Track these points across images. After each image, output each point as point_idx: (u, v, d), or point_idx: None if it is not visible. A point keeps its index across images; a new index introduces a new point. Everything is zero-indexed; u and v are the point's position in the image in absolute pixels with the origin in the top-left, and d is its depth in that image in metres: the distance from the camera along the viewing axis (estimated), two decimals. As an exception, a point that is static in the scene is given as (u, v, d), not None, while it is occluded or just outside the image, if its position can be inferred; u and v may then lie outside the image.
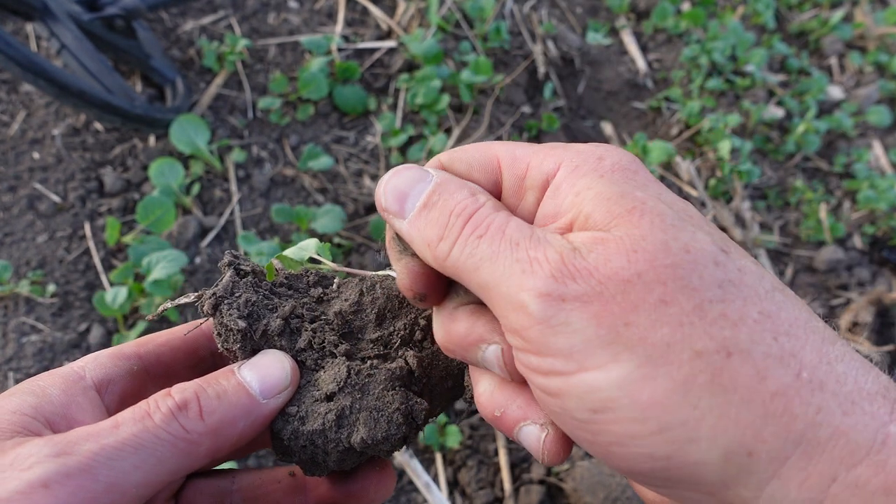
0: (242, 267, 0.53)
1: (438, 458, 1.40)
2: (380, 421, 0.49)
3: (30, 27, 1.88)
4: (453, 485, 1.38)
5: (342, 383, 0.50)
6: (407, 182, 0.45)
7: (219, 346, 0.51)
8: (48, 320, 1.46)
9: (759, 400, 0.35)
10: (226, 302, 0.50)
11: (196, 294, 0.53)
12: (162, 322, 1.49)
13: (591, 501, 1.27)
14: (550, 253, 0.38)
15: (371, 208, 1.76)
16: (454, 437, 1.38)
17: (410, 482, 1.36)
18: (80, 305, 1.50)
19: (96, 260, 1.55)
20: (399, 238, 0.47)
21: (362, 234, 1.69)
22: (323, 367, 0.52)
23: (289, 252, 0.57)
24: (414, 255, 0.46)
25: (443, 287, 0.48)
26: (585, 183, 0.42)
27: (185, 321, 1.50)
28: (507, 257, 0.39)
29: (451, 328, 0.47)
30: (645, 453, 0.36)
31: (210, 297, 0.50)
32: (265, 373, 0.49)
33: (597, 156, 0.43)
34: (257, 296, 0.52)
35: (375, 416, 0.49)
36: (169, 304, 0.54)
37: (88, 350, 1.45)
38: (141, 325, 1.45)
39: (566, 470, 1.34)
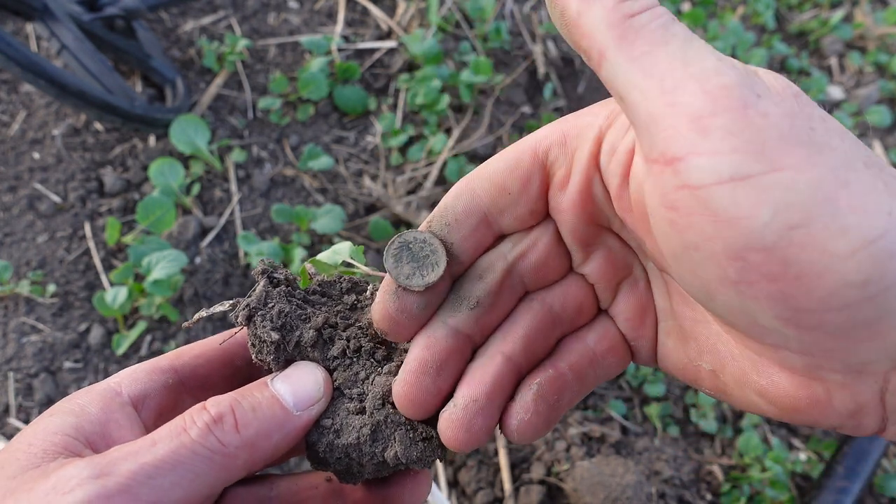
0: (275, 276, 0.53)
1: (438, 458, 1.40)
2: (416, 441, 0.49)
3: (30, 27, 1.88)
4: (453, 485, 1.38)
5: (377, 395, 0.50)
6: None
7: (253, 356, 0.51)
8: (48, 320, 1.46)
9: None
10: (259, 313, 0.50)
11: (231, 302, 0.53)
12: (161, 322, 1.49)
13: (591, 501, 1.27)
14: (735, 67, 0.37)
15: (371, 208, 1.76)
16: (454, 437, 1.37)
17: (410, 482, 1.36)
18: (80, 305, 1.50)
19: (96, 260, 1.55)
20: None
21: (362, 234, 1.69)
22: (357, 377, 0.52)
23: (322, 256, 0.57)
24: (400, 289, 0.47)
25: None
26: None
27: (182, 317, 1.50)
28: (706, 47, 0.37)
29: None
30: (839, 279, 0.32)
31: (244, 309, 0.51)
32: (298, 385, 0.49)
33: None
34: (290, 306, 0.52)
35: (412, 436, 0.49)
36: (204, 313, 0.54)
37: (88, 350, 1.45)
38: (141, 325, 1.45)
39: (566, 470, 1.34)
